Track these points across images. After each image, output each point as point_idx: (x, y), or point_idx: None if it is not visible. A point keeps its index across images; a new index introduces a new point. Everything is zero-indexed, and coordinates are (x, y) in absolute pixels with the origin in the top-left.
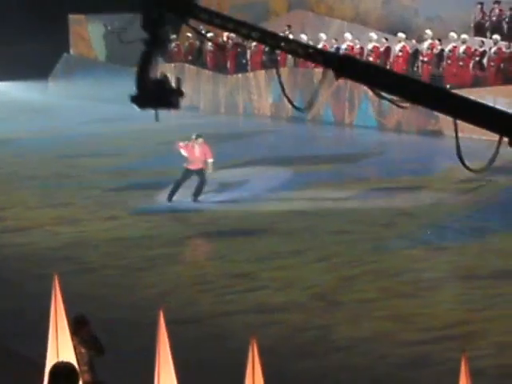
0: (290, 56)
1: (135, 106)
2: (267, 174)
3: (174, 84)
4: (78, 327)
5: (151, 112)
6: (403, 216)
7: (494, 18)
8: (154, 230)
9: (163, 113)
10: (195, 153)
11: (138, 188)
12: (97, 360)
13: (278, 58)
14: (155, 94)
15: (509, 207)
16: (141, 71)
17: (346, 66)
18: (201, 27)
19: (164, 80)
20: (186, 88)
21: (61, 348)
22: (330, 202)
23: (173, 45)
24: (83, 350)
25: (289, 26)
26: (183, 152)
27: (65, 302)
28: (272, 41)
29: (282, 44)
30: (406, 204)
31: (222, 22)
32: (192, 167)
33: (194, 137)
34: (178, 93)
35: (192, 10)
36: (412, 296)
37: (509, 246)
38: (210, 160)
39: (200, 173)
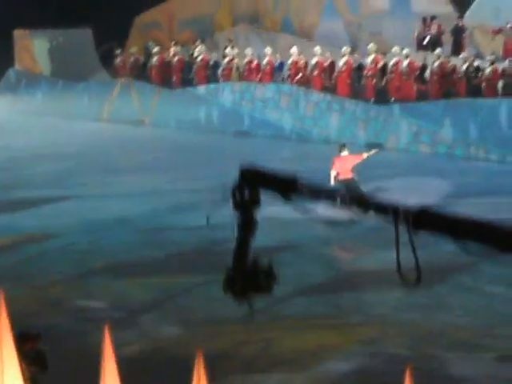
0: (234, 70)
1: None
2: None
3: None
4: (21, 343)
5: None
6: None
7: (435, 32)
8: None
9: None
10: None
11: None
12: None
13: (224, 73)
14: (250, 280)
15: None
16: (238, 258)
17: (422, 219)
18: (150, 43)
19: (257, 262)
20: (132, 103)
21: (6, 364)
22: None
23: (118, 60)
24: (25, 366)
25: (230, 41)
26: None
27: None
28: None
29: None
30: None
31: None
32: None
33: None
34: (272, 277)
35: (297, 188)
36: None
37: None
38: None
39: None
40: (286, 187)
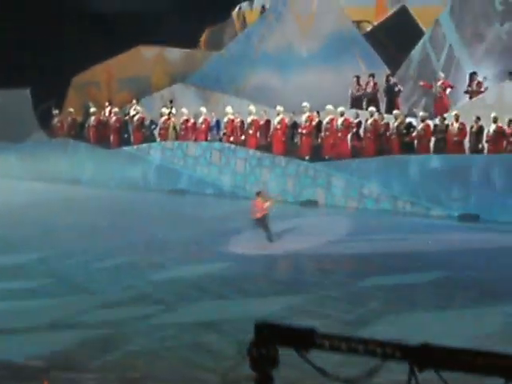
0: (171, 129)
1: None
2: None
3: None
4: None
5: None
6: None
7: (369, 90)
8: None
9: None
10: None
11: None
12: None
13: (161, 132)
14: None
15: None
16: None
17: (426, 355)
18: (87, 103)
19: None
20: (69, 162)
21: None
22: None
23: (55, 120)
24: None
25: (171, 101)
26: None
27: None
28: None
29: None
30: None
31: (347, 345)
32: None
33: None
34: None
35: (315, 342)
36: None
37: None
38: None
39: None
40: (304, 341)
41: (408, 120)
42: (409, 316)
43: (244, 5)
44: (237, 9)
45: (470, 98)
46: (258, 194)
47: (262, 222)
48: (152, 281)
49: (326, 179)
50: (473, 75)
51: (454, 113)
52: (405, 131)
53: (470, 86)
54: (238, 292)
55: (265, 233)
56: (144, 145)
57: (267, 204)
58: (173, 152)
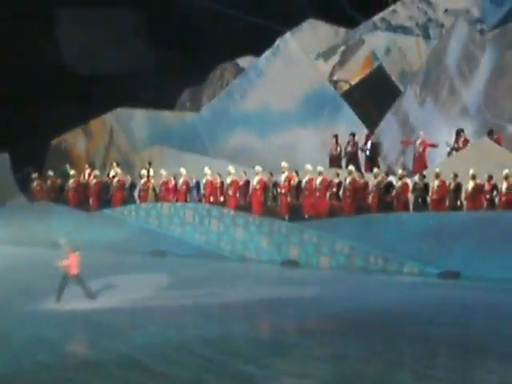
0: (150, 191)
1: None
2: None
3: None
4: None
5: None
6: None
7: (349, 149)
8: None
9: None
10: None
11: None
12: None
13: (141, 194)
14: None
15: None
16: None
17: None
18: (66, 166)
19: None
20: (48, 225)
21: None
22: None
23: (35, 183)
24: None
25: (150, 163)
26: None
27: None
28: None
29: None
30: None
31: None
32: None
33: None
34: None
35: None
36: None
37: None
38: None
39: None
40: None
41: (388, 179)
42: (389, 375)
43: (223, 66)
44: (216, 70)
45: (448, 154)
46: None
47: (78, 278)
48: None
49: (299, 237)
50: (460, 132)
51: (435, 170)
52: (384, 190)
53: (456, 142)
54: None
55: (83, 289)
56: (124, 207)
57: (76, 257)
58: (152, 214)
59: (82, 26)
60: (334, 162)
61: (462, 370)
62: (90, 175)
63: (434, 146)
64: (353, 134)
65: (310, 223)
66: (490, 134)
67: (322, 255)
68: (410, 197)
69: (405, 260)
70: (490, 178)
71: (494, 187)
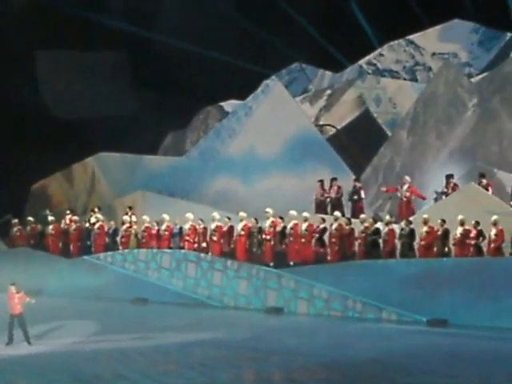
0: (133, 237)
1: None
2: None
3: None
4: None
5: None
6: None
7: (333, 195)
8: None
9: None
10: None
11: None
12: None
13: (123, 240)
14: None
15: None
16: None
17: None
18: (46, 211)
19: None
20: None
21: None
22: None
23: (15, 229)
24: None
25: (130, 208)
26: None
27: None
28: None
29: None
30: None
31: None
32: None
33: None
34: None
35: None
36: None
37: None
38: None
39: None
40: None
41: (376, 225)
42: None
43: (207, 110)
44: (200, 114)
45: (435, 200)
46: (13, 284)
47: (20, 319)
48: None
49: (277, 282)
50: (449, 177)
51: (423, 216)
52: (372, 237)
53: (446, 187)
54: None
55: (22, 332)
56: (105, 253)
57: (22, 297)
58: (134, 260)
59: (63, 67)
60: (320, 207)
61: None
62: (70, 221)
63: (423, 198)
64: (335, 179)
65: (295, 270)
66: (482, 176)
67: (299, 298)
68: (397, 243)
69: (391, 307)
70: (477, 223)
71: (480, 233)
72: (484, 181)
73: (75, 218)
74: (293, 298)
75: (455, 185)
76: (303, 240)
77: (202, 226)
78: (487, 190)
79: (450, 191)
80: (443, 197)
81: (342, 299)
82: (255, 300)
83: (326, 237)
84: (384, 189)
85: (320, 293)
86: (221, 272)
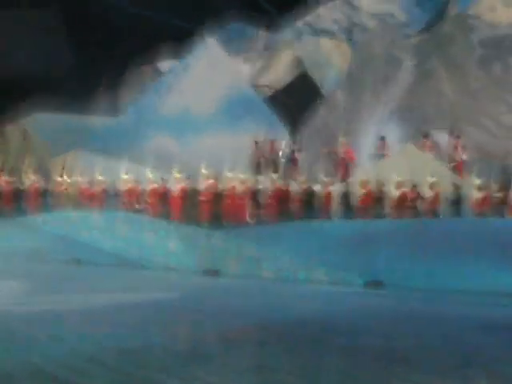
0: (66, 197)
1: None
2: None
3: None
4: None
5: None
6: None
7: (269, 156)
8: None
9: None
10: None
11: None
12: None
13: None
14: None
15: None
16: None
17: None
18: None
19: None
20: None
21: None
22: None
23: None
24: None
25: (63, 168)
26: None
27: None
28: None
29: None
30: None
31: None
32: None
33: None
34: None
35: None
36: None
37: None
38: None
39: None
40: None
41: (312, 186)
42: None
43: (141, 69)
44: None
45: (373, 161)
46: None
47: None
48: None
49: (207, 242)
50: (381, 139)
51: (360, 178)
52: (307, 198)
53: (379, 149)
54: None
55: None
56: (41, 214)
57: None
58: (66, 221)
59: None
60: (256, 168)
61: (386, 382)
62: (4, 182)
63: (352, 159)
64: (272, 140)
65: (230, 231)
66: (425, 137)
67: (246, 265)
68: (334, 205)
69: (328, 269)
70: (414, 186)
71: (418, 195)
72: (427, 141)
73: (8, 179)
74: (224, 258)
75: (387, 147)
76: (239, 201)
77: (136, 187)
78: (430, 150)
79: (382, 153)
80: (376, 158)
81: (274, 259)
82: (186, 260)
83: (261, 198)
84: (324, 150)
85: (251, 252)
86: (152, 232)
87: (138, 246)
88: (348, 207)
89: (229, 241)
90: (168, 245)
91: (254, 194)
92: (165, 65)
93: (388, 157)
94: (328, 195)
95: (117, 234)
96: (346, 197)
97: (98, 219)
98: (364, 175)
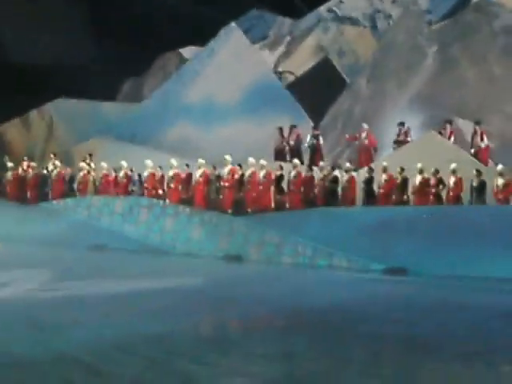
0: (90, 184)
1: None
2: None
3: None
4: None
5: None
6: None
7: (292, 142)
8: None
9: None
10: None
11: None
12: None
13: (80, 187)
14: None
15: None
16: None
17: None
18: (5, 158)
19: None
20: None
21: None
22: None
23: None
24: None
25: (90, 155)
26: None
27: None
28: None
29: None
30: None
31: None
32: None
33: None
34: None
35: None
36: None
37: None
38: None
39: None
40: None
41: (335, 173)
42: (337, 373)
43: (166, 56)
44: (159, 60)
45: (395, 148)
46: None
47: None
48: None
49: (230, 228)
50: (400, 125)
51: (382, 164)
52: (331, 184)
53: (398, 135)
54: None
55: None
56: (66, 200)
57: None
58: (97, 207)
59: (23, 14)
60: (279, 155)
61: (409, 368)
62: (28, 167)
63: (374, 146)
64: (295, 126)
65: (253, 217)
66: (448, 123)
67: (271, 252)
68: (358, 191)
69: (350, 255)
70: (437, 172)
71: (440, 181)
72: (448, 127)
73: (33, 164)
74: (245, 244)
75: (406, 133)
76: (261, 187)
77: (160, 174)
78: (450, 137)
79: (401, 139)
80: (395, 145)
81: (294, 245)
82: (208, 245)
83: (284, 184)
84: (347, 136)
85: (272, 239)
86: (173, 217)
87: (159, 232)
88: (371, 193)
89: (250, 227)
90: (190, 231)
91: (278, 181)
92: (188, 52)
93: (410, 143)
94: (351, 181)
95: (139, 220)
96: (368, 183)
97: (120, 205)
98: (386, 161)
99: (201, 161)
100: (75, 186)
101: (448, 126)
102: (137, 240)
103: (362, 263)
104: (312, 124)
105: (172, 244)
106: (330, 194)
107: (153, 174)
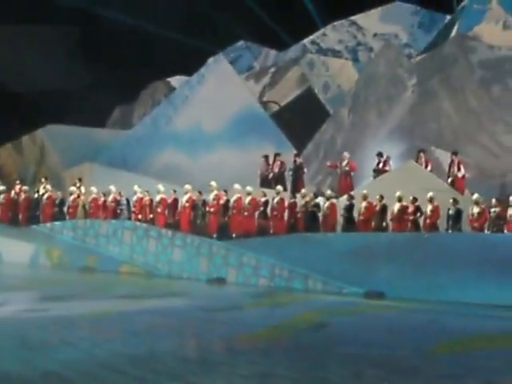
0: (80, 208)
1: None
2: None
3: None
4: None
5: None
6: None
7: (276, 170)
8: None
9: None
10: None
11: None
12: None
13: (70, 210)
14: None
15: None
16: None
17: None
18: None
19: None
20: None
21: None
22: None
23: None
24: None
25: (80, 179)
26: None
27: None
28: None
29: None
30: None
31: None
32: None
33: None
34: None
35: None
36: None
37: None
38: None
39: None
40: None
41: (316, 200)
42: None
43: (154, 85)
44: (147, 89)
45: (374, 177)
46: None
47: None
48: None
49: (208, 251)
50: (378, 156)
51: (363, 192)
52: (311, 211)
53: (377, 164)
54: None
55: None
56: (55, 223)
57: None
58: (85, 231)
59: (13, 42)
60: (264, 182)
61: None
62: (20, 191)
63: (355, 170)
64: (278, 154)
65: (237, 242)
66: (422, 152)
67: (260, 277)
68: (338, 217)
69: (331, 280)
70: (415, 200)
71: (418, 209)
72: (422, 156)
73: (25, 188)
74: (223, 266)
75: (385, 162)
76: (246, 213)
77: (147, 198)
78: (426, 166)
79: (380, 168)
80: (375, 174)
81: (271, 268)
82: (188, 267)
83: (268, 210)
84: (328, 164)
85: (249, 260)
86: (155, 240)
87: (143, 254)
88: (351, 220)
89: (230, 249)
90: (165, 251)
91: (262, 207)
92: (176, 81)
93: (390, 172)
94: (332, 208)
95: (125, 243)
96: (349, 210)
97: (107, 228)
98: (366, 189)
99: (187, 186)
100: (65, 209)
101: (422, 156)
102: (122, 262)
103: (340, 287)
104: (295, 152)
105: (154, 265)
106: (312, 220)
107: (140, 199)
